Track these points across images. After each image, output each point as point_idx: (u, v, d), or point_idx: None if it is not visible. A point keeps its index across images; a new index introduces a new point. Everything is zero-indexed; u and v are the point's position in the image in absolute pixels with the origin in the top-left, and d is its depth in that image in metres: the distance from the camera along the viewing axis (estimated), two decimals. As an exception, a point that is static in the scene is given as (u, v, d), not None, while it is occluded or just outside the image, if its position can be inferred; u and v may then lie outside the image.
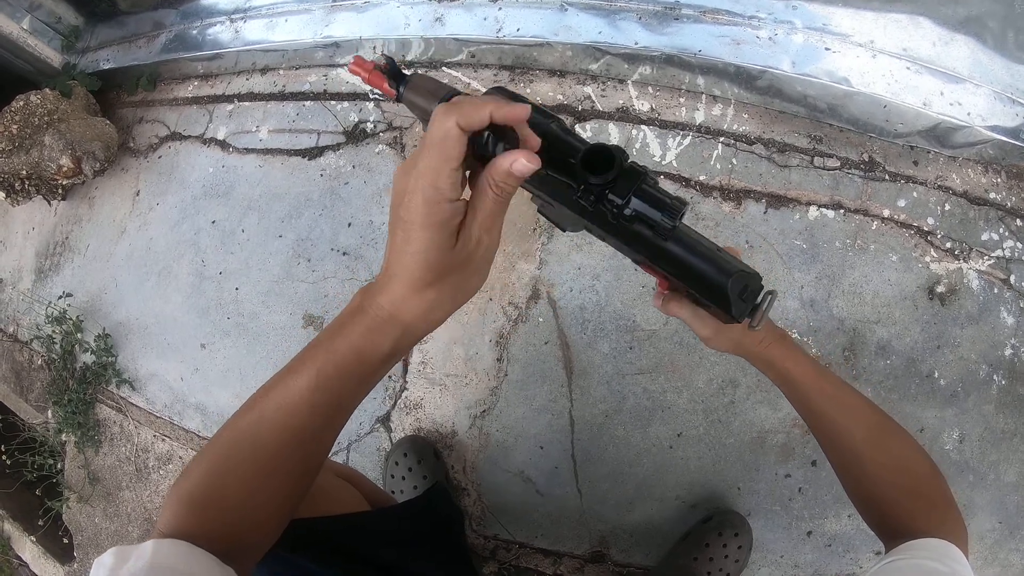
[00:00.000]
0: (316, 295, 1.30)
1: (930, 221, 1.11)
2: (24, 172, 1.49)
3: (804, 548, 1.08)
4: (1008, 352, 1.08)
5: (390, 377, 1.23)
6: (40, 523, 1.57)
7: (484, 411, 1.17)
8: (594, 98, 1.21)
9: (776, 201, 1.12)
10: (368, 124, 1.34)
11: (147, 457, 1.46)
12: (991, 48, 1.06)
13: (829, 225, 1.11)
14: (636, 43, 1.11)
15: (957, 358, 1.08)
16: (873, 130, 1.12)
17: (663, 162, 1.16)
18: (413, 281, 0.40)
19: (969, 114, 1.04)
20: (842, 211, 1.11)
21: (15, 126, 1.46)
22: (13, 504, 1.75)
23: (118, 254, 1.55)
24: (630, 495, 1.11)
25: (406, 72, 0.50)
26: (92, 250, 1.61)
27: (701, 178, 1.14)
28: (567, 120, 1.21)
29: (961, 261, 1.10)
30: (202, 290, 1.41)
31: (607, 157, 0.42)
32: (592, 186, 0.43)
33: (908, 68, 1.06)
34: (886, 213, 1.11)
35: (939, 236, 1.10)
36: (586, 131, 1.19)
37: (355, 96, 1.37)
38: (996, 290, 1.09)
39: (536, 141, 0.42)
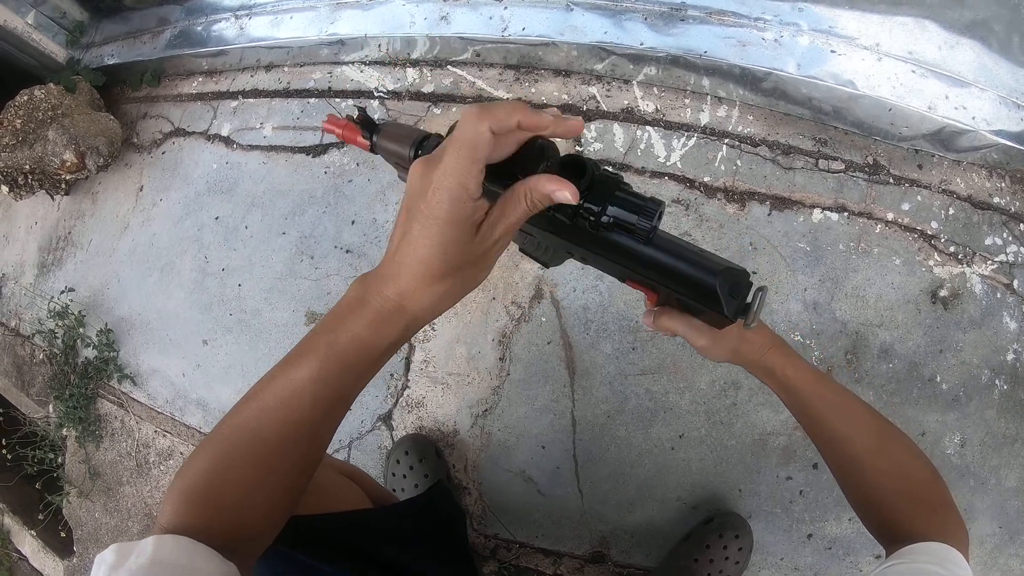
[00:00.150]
0: (319, 292, 1.30)
1: (934, 225, 1.11)
2: (27, 167, 1.49)
3: (804, 551, 1.08)
4: (1010, 357, 1.08)
5: (392, 375, 1.23)
6: (40, 517, 1.57)
7: (486, 410, 1.17)
8: (599, 98, 1.21)
9: (780, 203, 1.12)
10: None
11: (148, 453, 1.46)
12: (996, 52, 1.06)
13: (833, 228, 1.11)
14: (642, 44, 1.11)
15: (959, 362, 1.08)
16: (878, 133, 1.12)
17: (667, 163, 1.16)
18: (429, 273, 0.41)
19: (974, 118, 1.04)
20: (846, 214, 1.11)
21: (19, 121, 1.46)
22: (13, 498, 1.75)
23: (121, 249, 1.55)
24: (631, 496, 1.11)
25: (377, 122, 0.52)
26: (95, 245, 1.61)
27: (705, 179, 1.14)
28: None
29: (964, 265, 1.10)
30: (205, 286, 1.41)
31: (579, 165, 0.42)
32: None
33: (913, 71, 1.06)
34: (890, 216, 1.11)
35: (943, 240, 1.10)
36: (591, 131, 1.19)
37: (360, 94, 1.37)
38: (999, 295, 1.09)
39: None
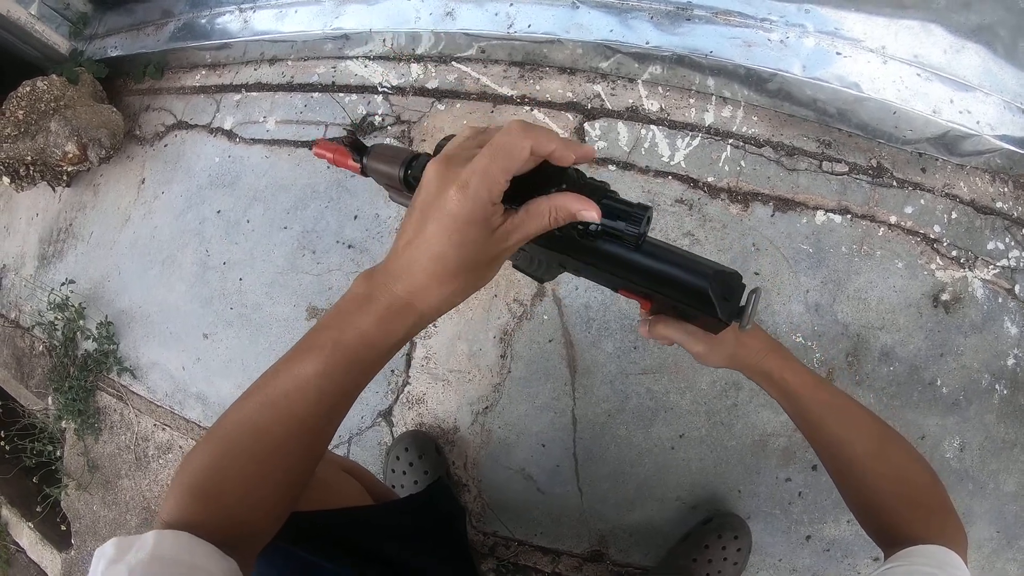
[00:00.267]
0: (320, 287, 1.30)
1: (936, 229, 1.11)
2: (29, 158, 1.48)
3: (803, 552, 1.08)
4: (1011, 362, 1.08)
5: (392, 371, 1.23)
6: (38, 509, 1.57)
7: (486, 407, 1.17)
8: (603, 96, 1.20)
9: (784, 204, 1.12)
10: (376, 117, 1.33)
11: (147, 446, 1.46)
12: (1002, 57, 1.06)
13: (836, 230, 1.11)
14: (647, 43, 1.11)
15: (960, 366, 1.08)
16: (882, 136, 1.12)
17: (672, 162, 1.15)
18: (441, 272, 0.41)
19: (978, 123, 1.04)
20: (849, 216, 1.11)
21: (21, 112, 1.46)
22: (11, 490, 1.75)
23: (122, 242, 1.55)
24: (631, 495, 1.11)
25: (366, 144, 0.53)
26: (96, 237, 1.61)
27: (709, 179, 1.14)
28: (577, 117, 1.21)
29: (966, 270, 1.10)
30: (206, 280, 1.41)
31: (557, 171, 0.42)
32: None
33: (918, 75, 1.06)
34: (893, 219, 1.11)
35: (945, 244, 1.10)
36: (595, 129, 1.19)
37: (364, 89, 1.37)
38: (1000, 300, 1.10)
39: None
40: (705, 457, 1.09)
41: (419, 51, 1.33)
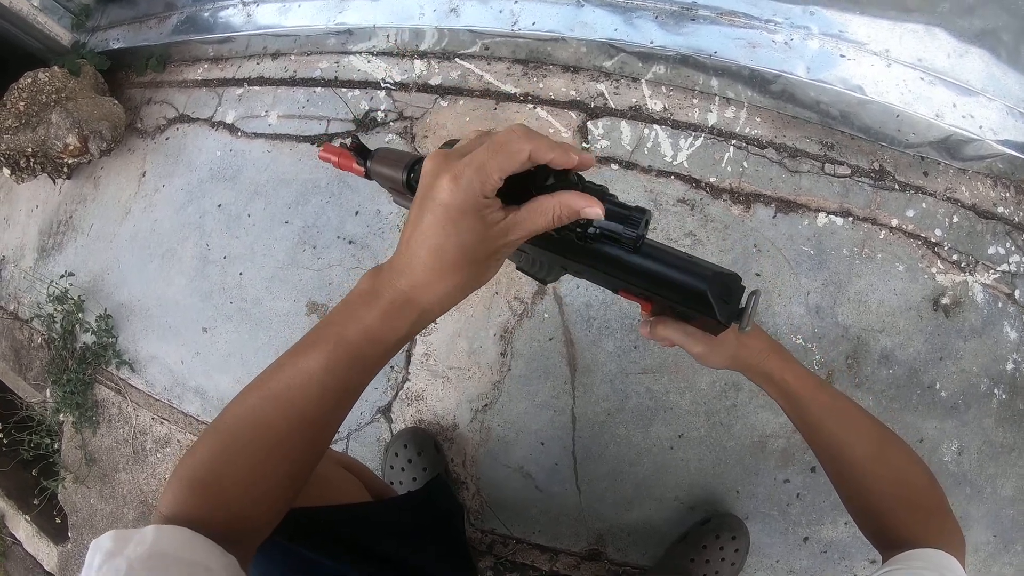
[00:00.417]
0: (320, 283, 1.30)
1: (938, 232, 1.11)
2: (30, 150, 1.48)
3: (800, 554, 1.08)
4: (1010, 367, 1.09)
5: (392, 367, 1.23)
6: (35, 502, 1.57)
7: (486, 405, 1.17)
8: (607, 95, 1.20)
9: (785, 206, 1.12)
10: (379, 113, 1.33)
11: (145, 439, 1.46)
12: (1005, 62, 1.06)
13: (837, 232, 1.11)
14: (652, 42, 1.11)
15: (959, 370, 1.08)
16: (884, 139, 1.12)
17: (674, 162, 1.15)
18: (440, 265, 0.41)
19: (981, 127, 1.05)
20: (851, 219, 1.11)
21: (22, 103, 1.45)
22: (8, 482, 1.75)
23: (122, 235, 1.55)
24: (629, 494, 1.11)
25: (370, 148, 0.54)
26: (96, 230, 1.60)
27: (711, 180, 1.14)
28: (580, 116, 1.21)
29: (967, 274, 1.10)
30: (206, 274, 1.40)
31: (558, 173, 0.42)
32: None
33: (922, 78, 1.06)
34: (894, 223, 1.11)
35: (946, 248, 1.10)
36: (598, 128, 1.19)
37: (366, 84, 1.37)
38: (1000, 304, 1.10)
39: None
40: (704, 457, 1.09)
41: (423, 47, 1.33)
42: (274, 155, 1.40)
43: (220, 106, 1.51)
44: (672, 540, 1.09)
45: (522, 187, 0.42)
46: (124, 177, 1.60)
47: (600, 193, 0.44)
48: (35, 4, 1.61)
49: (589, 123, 1.20)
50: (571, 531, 1.14)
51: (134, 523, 1.47)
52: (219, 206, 1.42)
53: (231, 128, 1.47)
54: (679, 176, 1.15)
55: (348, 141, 0.54)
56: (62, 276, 1.56)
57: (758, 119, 1.15)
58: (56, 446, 1.59)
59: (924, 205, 1.11)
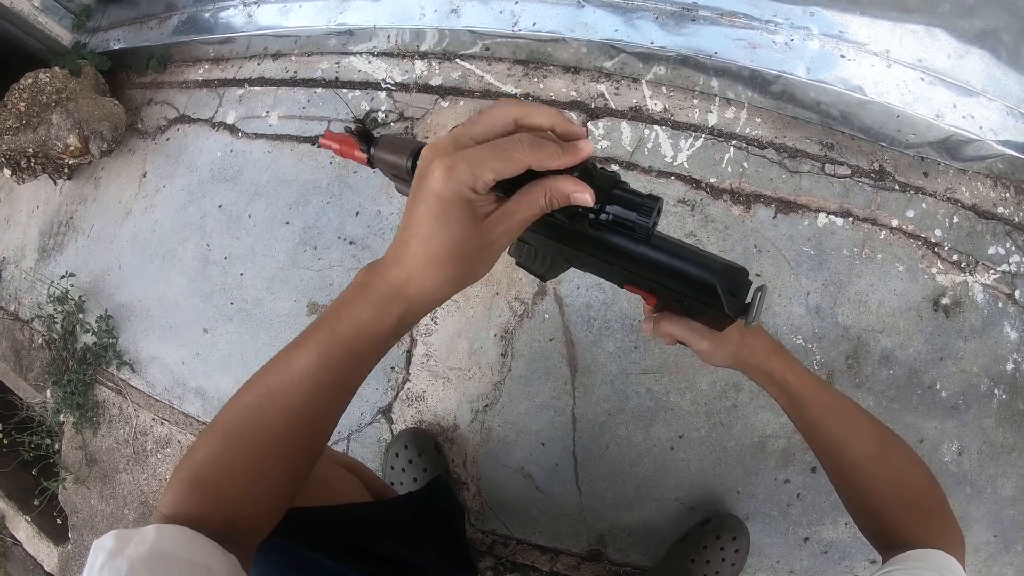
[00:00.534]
0: (321, 283, 1.30)
1: (938, 233, 1.11)
2: (31, 150, 1.48)
3: (800, 554, 1.08)
4: (1010, 367, 1.09)
5: (392, 368, 1.23)
6: (36, 503, 1.57)
7: (486, 405, 1.17)
8: (607, 96, 1.20)
9: (786, 206, 1.12)
10: (380, 113, 1.33)
11: (145, 440, 1.46)
12: (1005, 63, 1.06)
13: (837, 233, 1.11)
14: (652, 43, 1.11)
15: (959, 370, 1.08)
16: (885, 139, 1.12)
17: (674, 163, 1.15)
18: (430, 256, 0.41)
19: (981, 128, 1.05)
20: (851, 219, 1.11)
21: (23, 104, 1.45)
22: (9, 483, 1.75)
23: (122, 235, 1.55)
24: (629, 495, 1.11)
25: (375, 134, 0.52)
26: (96, 231, 1.60)
27: (712, 180, 1.14)
28: (580, 117, 1.21)
29: (967, 274, 1.10)
30: (206, 274, 1.40)
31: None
32: None
33: (922, 79, 1.06)
34: (894, 223, 1.11)
35: (946, 248, 1.10)
36: (599, 128, 1.19)
37: (367, 85, 1.37)
38: (1000, 304, 1.10)
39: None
40: (704, 458, 1.09)
41: (423, 48, 1.33)
42: (275, 156, 1.40)
43: (221, 107, 1.51)
44: (673, 540, 1.09)
45: (517, 178, 0.41)
46: (125, 178, 1.60)
47: (612, 181, 0.43)
48: (36, 5, 1.61)
49: (590, 124, 1.20)
50: (572, 532, 1.14)
51: (135, 524, 1.47)
52: (220, 207, 1.43)
53: (232, 129, 1.48)
54: (679, 177, 1.15)
55: (352, 127, 0.53)
56: (63, 277, 1.56)
57: (758, 120, 1.15)
58: (56, 447, 1.59)
59: (924, 205, 1.12)
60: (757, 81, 1.10)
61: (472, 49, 1.28)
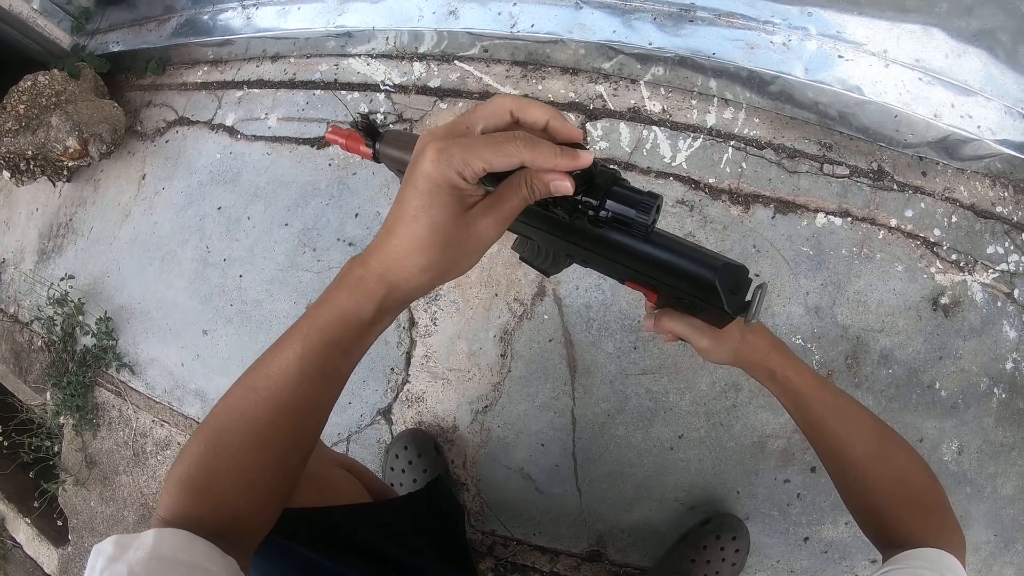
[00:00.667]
0: (320, 285, 1.30)
1: (936, 232, 1.11)
2: (30, 152, 1.48)
3: (800, 554, 1.08)
4: (1009, 366, 1.09)
5: (392, 369, 1.23)
6: (35, 505, 1.57)
7: (486, 406, 1.17)
8: (606, 97, 1.21)
9: (784, 207, 1.12)
10: (379, 115, 1.33)
11: (145, 442, 1.46)
12: (1003, 62, 1.07)
13: (836, 232, 1.11)
14: (650, 44, 1.11)
15: (958, 370, 1.08)
16: (883, 139, 1.12)
17: (673, 164, 1.16)
18: (416, 237, 0.40)
19: (979, 127, 1.05)
20: (849, 219, 1.11)
21: (22, 106, 1.45)
22: (8, 485, 1.75)
23: (122, 237, 1.55)
24: (629, 495, 1.11)
25: (380, 129, 0.53)
26: (96, 233, 1.60)
27: (710, 181, 1.14)
28: (579, 118, 1.21)
29: (966, 273, 1.10)
30: (206, 276, 1.40)
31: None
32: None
33: (920, 79, 1.06)
34: (893, 223, 1.11)
35: (945, 248, 1.11)
36: (597, 130, 1.19)
37: (366, 87, 1.37)
38: (999, 303, 1.10)
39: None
40: (704, 458, 1.09)
41: (422, 50, 1.33)
42: (274, 157, 1.41)
43: (220, 109, 1.51)
44: (672, 541, 1.09)
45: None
46: (124, 180, 1.60)
47: (612, 178, 0.44)
48: (35, 7, 1.61)
49: (588, 125, 1.20)
50: (571, 532, 1.14)
51: (135, 525, 1.47)
52: (219, 208, 1.43)
53: (231, 131, 1.48)
54: (678, 177, 1.15)
55: (357, 121, 0.53)
56: (62, 279, 1.56)
57: (756, 120, 1.15)
58: (56, 449, 1.59)
59: (923, 205, 1.12)
60: (755, 81, 1.10)
61: (470, 51, 1.29)
